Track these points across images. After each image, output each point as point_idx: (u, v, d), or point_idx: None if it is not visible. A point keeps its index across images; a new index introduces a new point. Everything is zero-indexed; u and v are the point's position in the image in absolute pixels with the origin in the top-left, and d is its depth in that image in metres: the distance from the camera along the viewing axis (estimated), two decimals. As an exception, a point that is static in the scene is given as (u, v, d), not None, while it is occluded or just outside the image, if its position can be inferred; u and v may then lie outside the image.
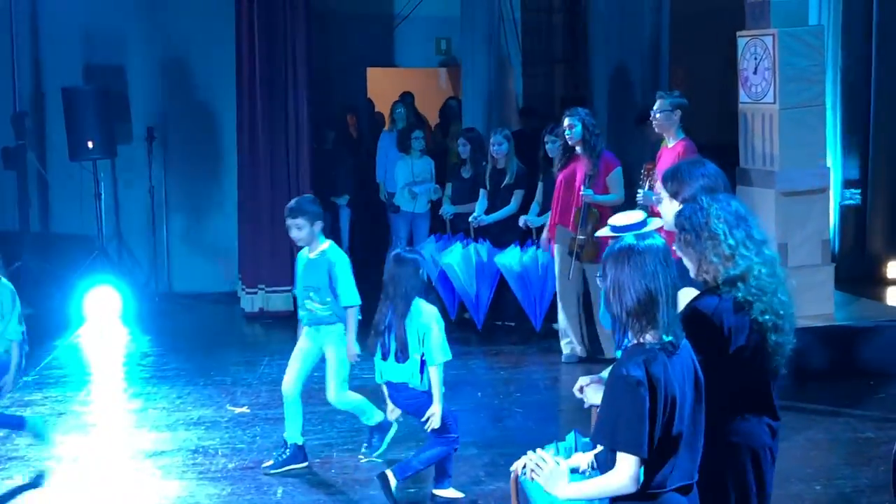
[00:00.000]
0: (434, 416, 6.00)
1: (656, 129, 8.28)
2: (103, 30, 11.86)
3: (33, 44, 12.07)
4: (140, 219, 11.87)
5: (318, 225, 6.65)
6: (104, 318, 10.64)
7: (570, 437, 3.90)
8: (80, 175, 11.54)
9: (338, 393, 6.78)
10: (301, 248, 6.87)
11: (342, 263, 6.67)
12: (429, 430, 6.06)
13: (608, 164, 8.85)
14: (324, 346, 6.76)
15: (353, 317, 6.67)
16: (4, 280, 6.73)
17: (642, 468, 3.39)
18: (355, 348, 6.65)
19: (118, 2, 11.81)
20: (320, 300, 6.67)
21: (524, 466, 3.58)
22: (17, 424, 7.09)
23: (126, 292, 10.87)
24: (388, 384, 6.17)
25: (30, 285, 11.38)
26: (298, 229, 6.61)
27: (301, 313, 6.84)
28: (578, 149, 8.82)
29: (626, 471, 3.37)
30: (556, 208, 9.03)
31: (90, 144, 11.11)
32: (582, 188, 8.70)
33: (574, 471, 3.64)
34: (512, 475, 3.80)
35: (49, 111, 11.96)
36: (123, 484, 6.68)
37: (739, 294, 3.78)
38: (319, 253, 6.70)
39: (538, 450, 3.62)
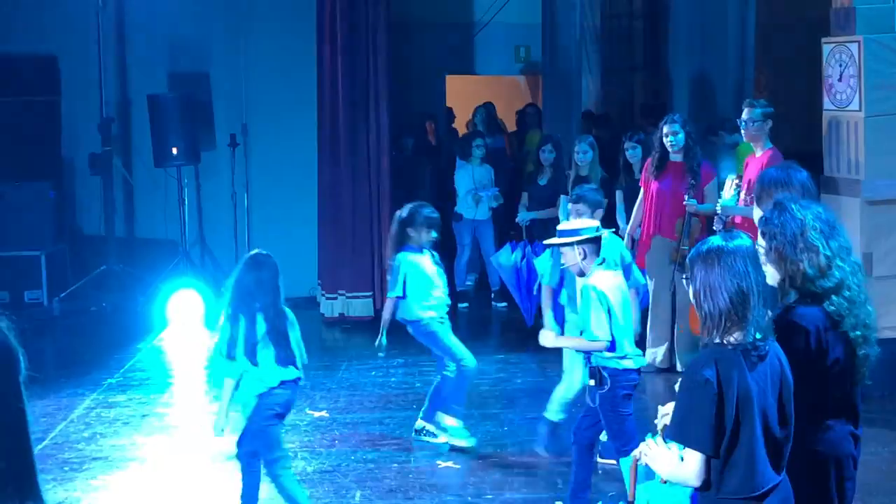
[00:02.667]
0: None
1: (745, 139, 8.20)
2: (188, 38, 12.06)
3: (119, 52, 12.32)
4: (222, 224, 12.02)
5: None
6: (187, 322, 10.79)
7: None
8: (164, 181, 11.75)
9: None
10: None
11: None
12: None
13: (707, 174, 8.62)
14: None
15: None
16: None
17: (713, 468, 3.44)
18: None
19: (202, 11, 12.00)
20: None
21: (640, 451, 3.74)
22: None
23: (208, 296, 11.00)
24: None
25: (114, 289, 11.62)
26: None
27: None
28: (678, 157, 8.63)
29: (691, 465, 3.46)
30: (651, 218, 8.71)
31: (174, 151, 11.29)
32: (686, 198, 8.52)
33: None
34: (632, 461, 3.95)
35: (135, 118, 12.21)
36: (204, 485, 6.77)
37: (833, 308, 3.74)
38: None
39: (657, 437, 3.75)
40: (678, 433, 3.50)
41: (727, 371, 3.39)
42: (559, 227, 6.05)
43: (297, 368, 5.83)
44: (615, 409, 5.76)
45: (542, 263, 8.62)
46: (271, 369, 5.74)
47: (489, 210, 11.38)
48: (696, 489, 3.55)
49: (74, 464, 7.09)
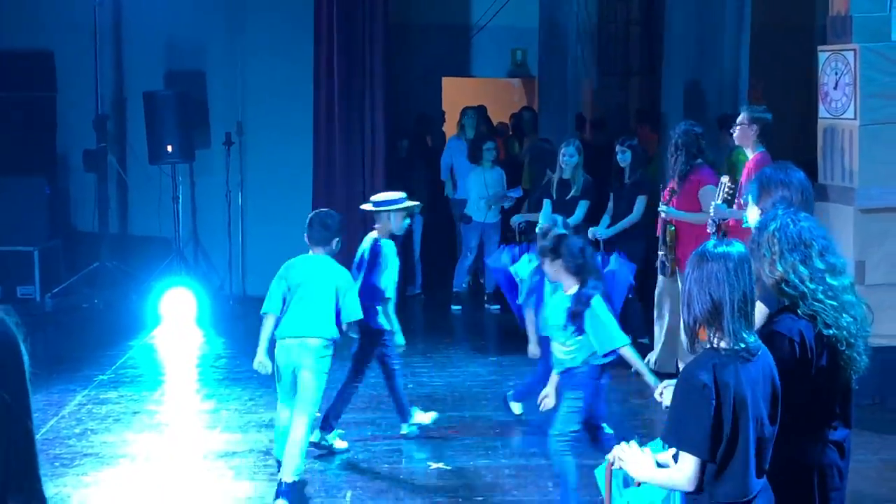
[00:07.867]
0: None
1: (736, 141, 8.19)
2: (184, 36, 12.07)
3: (116, 49, 12.33)
4: (216, 222, 12.02)
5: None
6: (179, 320, 10.79)
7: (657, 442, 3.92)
8: (158, 178, 11.75)
9: None
10: None
11: None
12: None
13: (702, 179, 8.41)
14: None
15: None
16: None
17: (706, 471, 3.46)
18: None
19: (199, 9, 12.02)
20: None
21: (615, 456, 3.75)
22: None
23: (201, 294, 11.01)
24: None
25: (107, 286, 11.62)
26: None
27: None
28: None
29: (686, 469, 3.47)
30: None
31: (169, 148, 11.31)
32: (660, 204, 8.50)
33: (661, 466, 3.69)
34: (606, 465, 3.92)
35: (130, 115, 12.21)
36: (195, 484, 6.77)
37: (800, 310, 3.76)
38: None
39: (632, 441, 3.77)
40: (674, 437, 3.52)
41: (724, 376, 3.40)
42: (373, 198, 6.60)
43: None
44: None
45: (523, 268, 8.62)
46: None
47: (498, 213, 11.40)
48: (685, 493, 3.56)
49: (65, 460, 7.09)
